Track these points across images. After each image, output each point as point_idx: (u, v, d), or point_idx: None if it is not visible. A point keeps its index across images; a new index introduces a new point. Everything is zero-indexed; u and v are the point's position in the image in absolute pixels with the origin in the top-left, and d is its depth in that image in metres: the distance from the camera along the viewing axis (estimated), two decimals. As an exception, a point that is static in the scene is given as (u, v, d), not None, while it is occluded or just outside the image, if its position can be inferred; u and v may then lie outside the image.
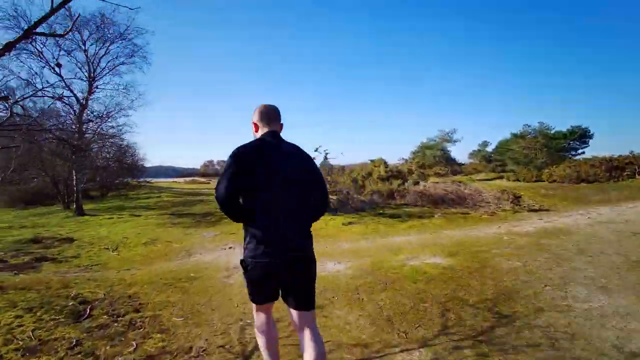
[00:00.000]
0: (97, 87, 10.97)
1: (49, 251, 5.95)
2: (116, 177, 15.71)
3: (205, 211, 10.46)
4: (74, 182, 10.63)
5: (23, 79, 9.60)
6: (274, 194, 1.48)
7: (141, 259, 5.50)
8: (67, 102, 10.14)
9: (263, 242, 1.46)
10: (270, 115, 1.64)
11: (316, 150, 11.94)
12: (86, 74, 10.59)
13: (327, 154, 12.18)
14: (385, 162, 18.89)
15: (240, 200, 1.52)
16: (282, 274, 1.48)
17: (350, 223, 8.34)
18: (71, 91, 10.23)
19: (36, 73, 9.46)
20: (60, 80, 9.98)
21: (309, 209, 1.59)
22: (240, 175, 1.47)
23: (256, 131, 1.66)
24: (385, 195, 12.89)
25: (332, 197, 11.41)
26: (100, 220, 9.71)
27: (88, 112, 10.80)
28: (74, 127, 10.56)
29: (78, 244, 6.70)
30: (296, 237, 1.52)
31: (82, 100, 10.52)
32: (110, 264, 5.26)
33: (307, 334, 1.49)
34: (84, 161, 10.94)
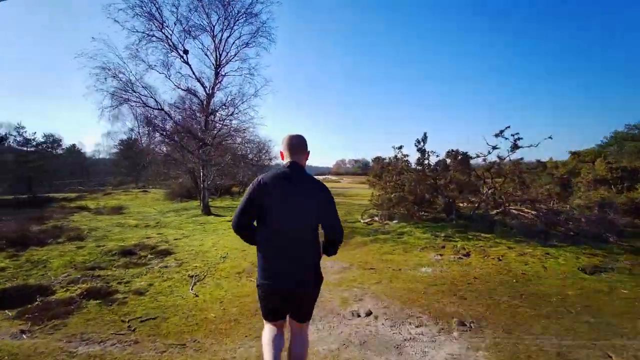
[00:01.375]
0: (223, 75, 10.02)
1: (119, 275, 4.19)
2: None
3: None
4: (201, 179, 9.98)
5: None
6: (282, 224, 1.63)
7: (229, 308, 2.90)
8: (193, 91, 9.46)
9: (269, 269, 1.65)
10: (294, 146, 1.74)
11: (500, 135, 7.48)
12: (213, 60, 9.76)
13: (517, 139, 7.40)
14: (605, 156, 12.40)
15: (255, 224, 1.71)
16: (284, 297, 1.67)
17: (598, 271, 4.19)
18: (198, 80, 9.52)
19: (165, 63, 9.04)
20: (187, 69, 9.34)
21: (317, 239, 1.72)
22: (254, 204, 1.64)
23: (282, 159, 1.78)
24: (622, 210, 7.67)
25: (529, 213, 6.62)
26: (218, 224, 8.41)
27: (214, 102, 9.96)
28: (200, 118, 9.88)
29: (169, 261, 4.90)
30: (301, 267, 1.65)
31: (208, 90, 9.73)
32: (171, 319, 2.81)
33: (296, 337, 1.77)
34: (211, 156, 10.22)
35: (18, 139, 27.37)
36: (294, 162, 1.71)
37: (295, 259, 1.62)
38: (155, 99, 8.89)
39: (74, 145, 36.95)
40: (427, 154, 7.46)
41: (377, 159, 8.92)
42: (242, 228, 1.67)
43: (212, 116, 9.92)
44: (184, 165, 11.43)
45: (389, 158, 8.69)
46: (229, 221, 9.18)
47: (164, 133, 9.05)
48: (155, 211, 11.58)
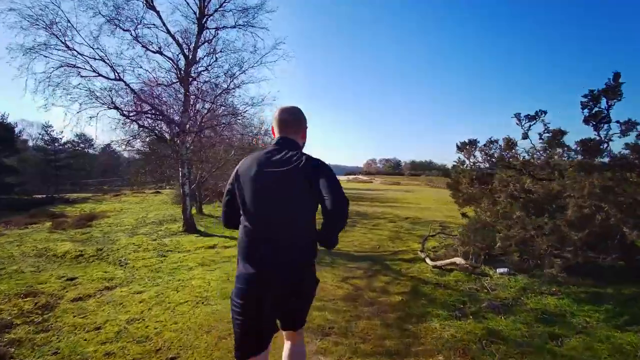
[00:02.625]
0: (210, 30, 6.86)
1: None
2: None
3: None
4: (180, 182, 6.94)
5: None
6: (261, 213, 1.33)
7: None
8: (167, 55, 6.39)
9: (245, 276, 1.32)
10: (284, 121, 1.47)
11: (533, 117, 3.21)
12: (195, 7, 6.65)
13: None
14: None
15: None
16: (268, 303, 1.31)
17: None
18: (171, 35, 6.43)
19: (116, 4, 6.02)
20: (152, 16, 6.28)
21: (311, 227, 1.37)
22: (234, 194, 1.41)
23: (274, 136, 1.51)
24: None
25: None
26: (190, 255, 5.24)
27: (196, 68, 6.81)
28: (176, 93, 6.82)
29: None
30: (287, 266, 1.32)
31: (188, 51, 6.62)
32: None
33: (289, 345, 1.50)
34: (196, 150, 7.21)
35: (45, 137, 27.18)
36: (284, 137, 1.44)
37: (283, 254, 1.30)
38: (109, 64, 5.98)
39: (108, 145, 37.07)
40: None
41: (470, 144, 4.95)
42: (231, 223, 1.49)
43: (197, 90, 6.83)
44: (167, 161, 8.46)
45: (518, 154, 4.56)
46: (213, 246, 6.11)
47: (125, 114, 6.16)
48: (134, 222, 8.82)
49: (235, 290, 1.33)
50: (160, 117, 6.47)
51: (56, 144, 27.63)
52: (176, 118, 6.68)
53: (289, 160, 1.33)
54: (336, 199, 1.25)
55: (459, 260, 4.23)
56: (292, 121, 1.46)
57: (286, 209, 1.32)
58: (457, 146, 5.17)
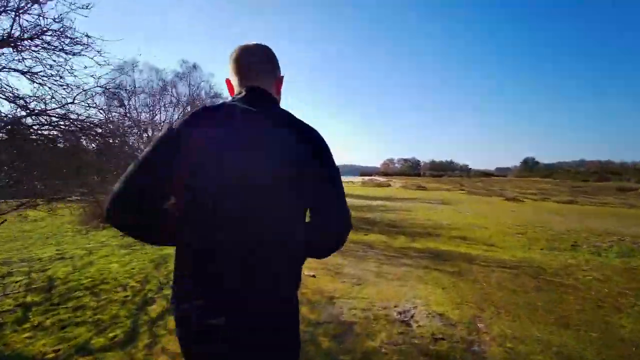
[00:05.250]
0: None
1: None
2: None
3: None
4: None
5: None
6: (234, 213, 0.79)
7: None
8: None
9: (186, 314, 0.81)
10: (248, 63, 0.94)
11: None
12: None
13: None
14: None
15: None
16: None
17: None
18: None
19: None
20: None
21: (295, 239, 0.86)
22: (159, 172, 0.79)
23: (232, 94, 0.96)
24: None
25: None
26: None
27: None
28: None
29: None
30: (263, 303, 0.81)
31: None
32: None
33: None
34: None
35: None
36: (253, 87, 0.90)
37: (256, 277, 0.80)
38: None
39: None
40: None
41: None
42: (153, 234, 0.85)
43: None
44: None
45: None
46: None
47: None
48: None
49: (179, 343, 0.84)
50: None
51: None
52: None
53: (286, 122, 0.88)
54: (332, 221, 0.87)
55: None
56: (260, 62, 0.94)
57: (271, 205, 0.81)
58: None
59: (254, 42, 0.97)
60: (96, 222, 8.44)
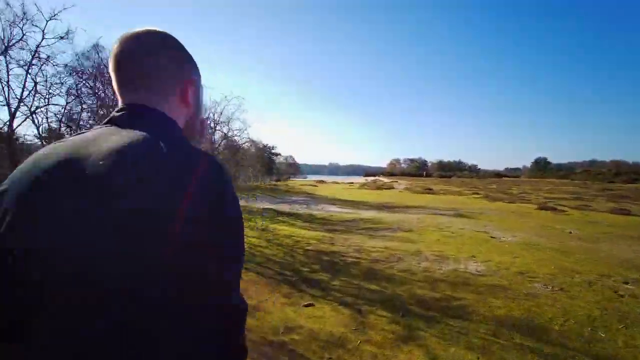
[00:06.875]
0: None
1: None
2: None
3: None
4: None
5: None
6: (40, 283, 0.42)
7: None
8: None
9: None
10: (119, 60, 0.58)
11: None
12: None
13: None
14: None
15: None
16: None
17: None
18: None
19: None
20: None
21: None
22: None
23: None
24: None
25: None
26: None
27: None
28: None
29: None
30: None
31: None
32: None
33: None
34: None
35: None
36: (130, 104, 0.57)
37: None
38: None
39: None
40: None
41: None
42: None
43: None
44: None
45: None
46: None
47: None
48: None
49: None
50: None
51: None
52: None
53: (152, 160, 0.49)
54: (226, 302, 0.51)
55: None
56: (139, 59, 0.58)
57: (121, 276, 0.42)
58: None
59: (146, 28, 0.59)
60: None
